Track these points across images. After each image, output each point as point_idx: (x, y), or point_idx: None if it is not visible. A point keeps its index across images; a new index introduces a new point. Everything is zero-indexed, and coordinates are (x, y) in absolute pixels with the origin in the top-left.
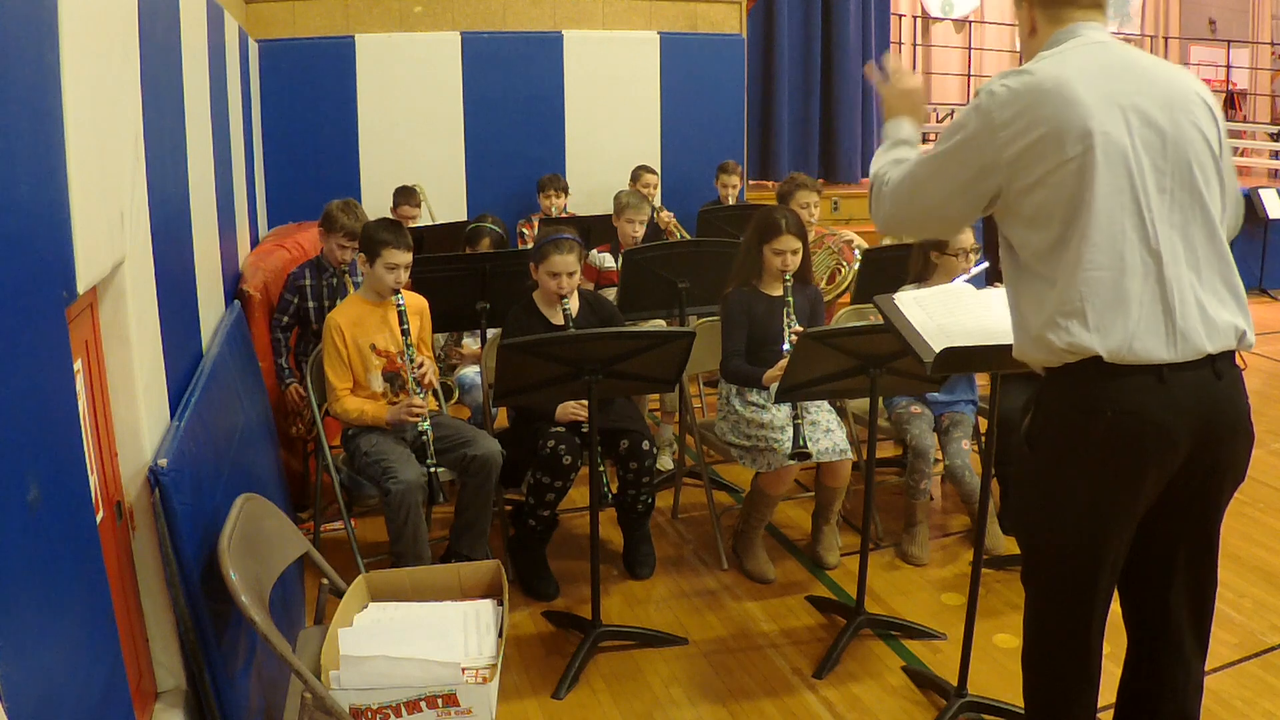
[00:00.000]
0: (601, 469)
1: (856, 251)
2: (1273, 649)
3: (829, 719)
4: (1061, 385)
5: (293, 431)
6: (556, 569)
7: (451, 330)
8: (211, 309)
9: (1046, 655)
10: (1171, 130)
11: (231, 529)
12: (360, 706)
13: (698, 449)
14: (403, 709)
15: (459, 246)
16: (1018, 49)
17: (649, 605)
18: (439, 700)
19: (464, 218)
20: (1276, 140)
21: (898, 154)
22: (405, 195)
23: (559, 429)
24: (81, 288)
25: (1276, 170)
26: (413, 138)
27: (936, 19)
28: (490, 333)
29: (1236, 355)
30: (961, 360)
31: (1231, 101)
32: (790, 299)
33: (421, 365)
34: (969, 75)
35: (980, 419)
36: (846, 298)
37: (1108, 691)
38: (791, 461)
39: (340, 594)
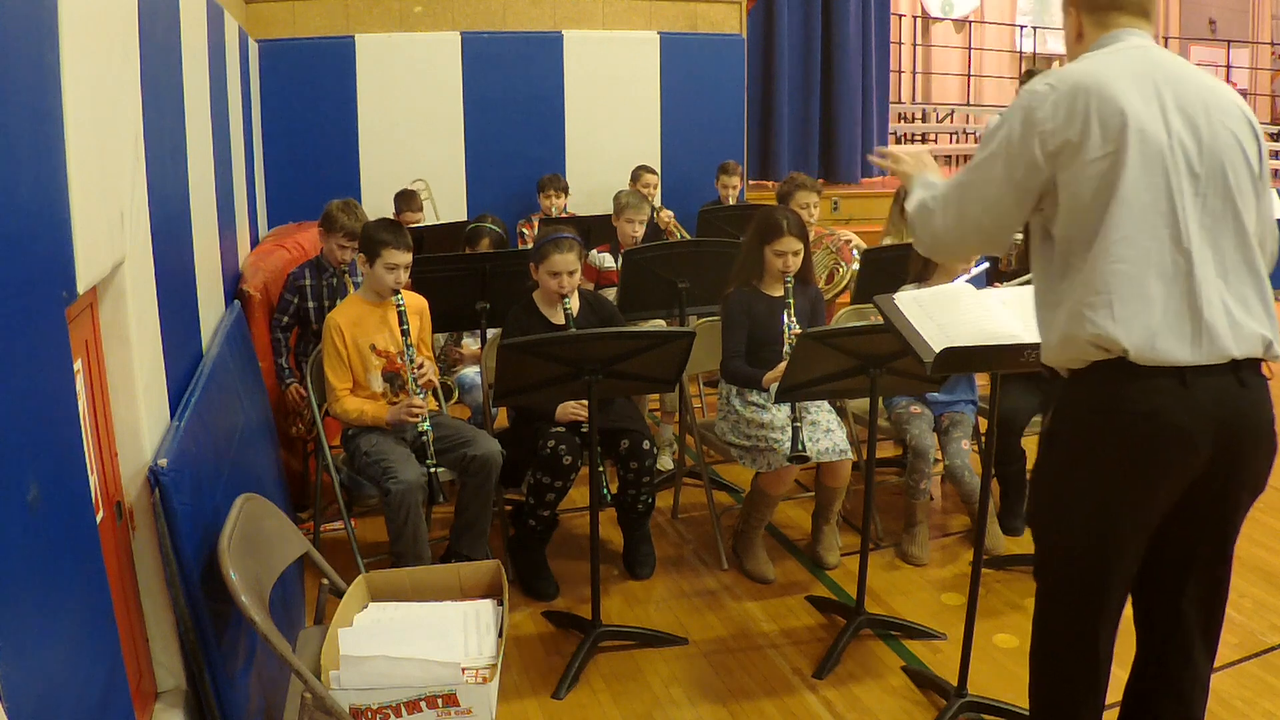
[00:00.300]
0: (601, 469)
1: (855, 251)
2: (1273, 649)
3: (829, 719)
4: (1083, 386)
5: (293, 431)
6: (556, 569)
7: (451, 330)
8: (211, 309)
9: (1052, 655)
10: (1208, 135)
11: (231, 529)
12: (360, 706)
13: (698, 449)
14: (403, 709)
15: (459, 246)
16: (1063, 53)
17: (649, 605)
18: (439, 700)
19: (464, 218)
20: (1277, 140)
21: (928, 187)
22: (406, 200)
23: (559, 429)
24: (81, 288)
25: (1277, 170)
26: (413, 138)
27: (936, 19)
28: (490, 333)
29: (1263, 365)
30: (961, 360)
31: None
32: (791, 300)
33: (422, 365)
34: (969, 75)
35: (980, 419)
36: (845, 297)
37: (1113, 691)
38: (790, 464)
39: (340, 594)
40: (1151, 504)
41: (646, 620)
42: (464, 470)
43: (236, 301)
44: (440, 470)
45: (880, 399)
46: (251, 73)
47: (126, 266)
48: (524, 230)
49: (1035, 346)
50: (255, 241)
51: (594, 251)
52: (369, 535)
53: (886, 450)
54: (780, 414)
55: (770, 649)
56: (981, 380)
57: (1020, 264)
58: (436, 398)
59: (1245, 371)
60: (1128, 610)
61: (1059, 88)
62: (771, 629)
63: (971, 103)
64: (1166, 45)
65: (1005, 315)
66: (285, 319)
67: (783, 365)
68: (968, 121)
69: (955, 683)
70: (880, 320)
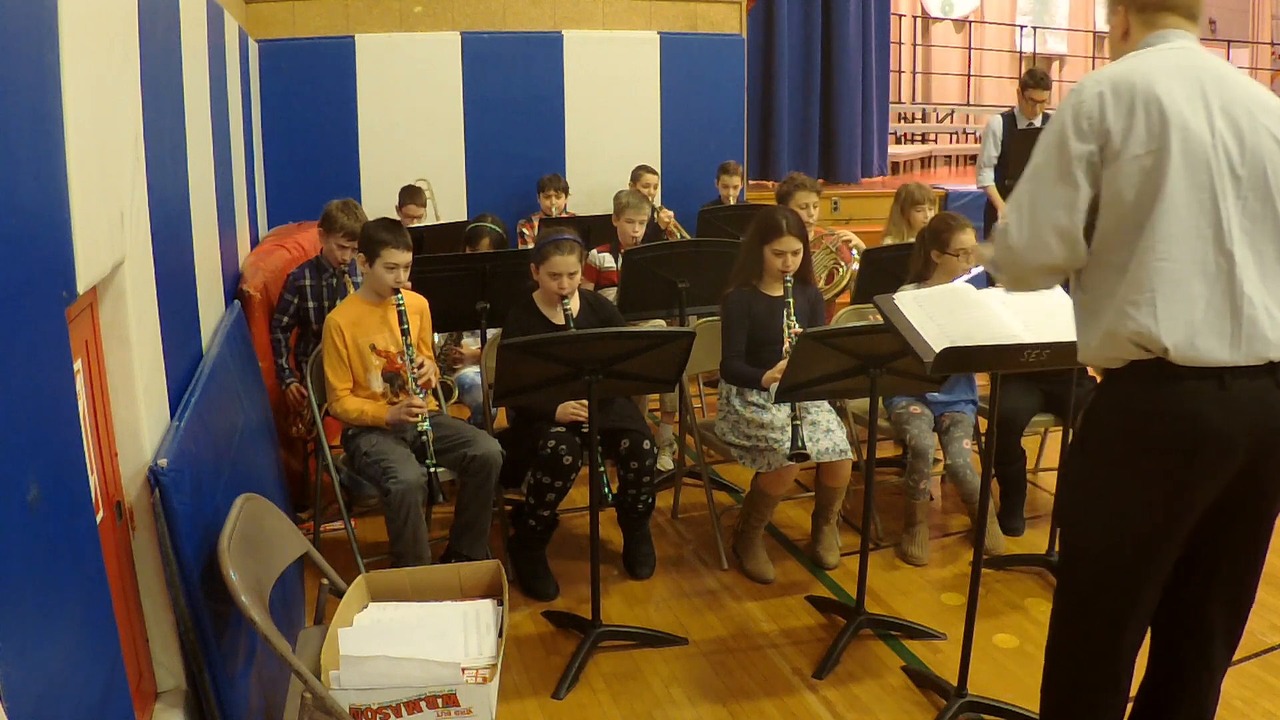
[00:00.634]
0: (601, 469)
1: (854, 251)
2: (1273, 649)
3: (829, 719)
4: (1120, 387)
5: (293, 431)
6: (556, 569)
7: (451, 330)
8: (211, 309)
9: (1071, 654)
10: (1251, 138)
11: (231, 529)
12: (360, 706)
13: (698, 449)
14: (403, 709)
15: (459, 246)
16: (1106, 55)
17: (649, 605)
18: (439, 700)
19: (464, 218)
20: None
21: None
22: (411, 195)
23: (559, 429)
24: (81, 288)
25: None
26: (413, 138)
27: (936, 19)
28: (490, 333)
29: None
30: (961, 360)
31: None
32: (791, 299)
33: (422, 365)
34: (969, 75)
35: (980, 419)
36: (845, 297)
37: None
38: (790, 463)
39: (340, 594)
40: (1188, 507)
41: (646, 620)
42: (464, 470)
43: (236, 301)
44: (440, 470)
45: (880, 399)
46: (251, 73)
47: (126, 266)
48: (524, 230)
49: (1035, 346)
50: (255, 241)
51: (594, 251)
52: (369, 535)
53: (886, 450)
54: (780, 414)
55: (770, 649)
56: (981, 380)
57: None
58: (436, 398)
59: None
60: None
61: (1103, 84)
62: (771, 629)
63: (971, 103)
64: None
65: (1005, 315)
66: (285, 319)
67: (782, 364)
68: (968, 121)
69: (955, 683)
70: (880, 320)
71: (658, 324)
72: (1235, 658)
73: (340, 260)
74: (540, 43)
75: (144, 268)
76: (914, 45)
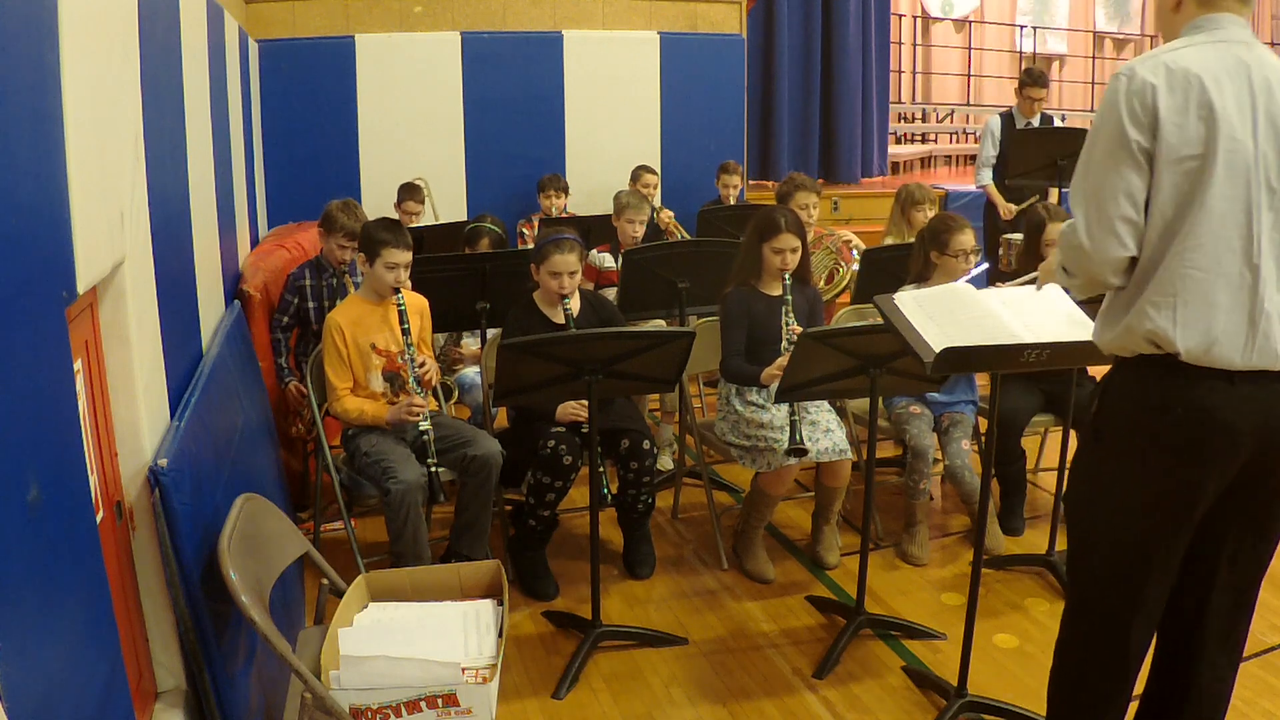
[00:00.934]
0: (601, 469)
1: (855, 251)
2: (1273, 649)
3: (829, 719)
4: (1131, 379)
5: (293, 431)
6: (556, 569)
7: (451, 330)
8: (211, 309)
9: (1080, 648)
10: None
11: (231, 529)
12: (360, 706)
13: (698, 449)
14: (403, 709)
15: (459, 247)
16: (1151, 31)
17: (649, 605)
18: (439, 700)
19: (464, 218)
20: None
21: (1059, 249)
22: (410, 191)
23: (559, 429)
24: (81, 288)
25: None
26: (413, 138)
27: (936, 19)
28: (490, 333)
29: None
30: (961, 360)
31: None
32: (789, 297)
33: (423, 364)
34: (969, 75)
35: (980, 419)
36: (845, 297)
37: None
38: (789, 459)
39: (340, 594)
40: (1194, 502)
41: (646, 620)
42: (464, 470)
43: (236, 301)
44: (440, 470)
45: (880, 399)
46: (251, 73)
47: (126, 266)
48: (524, 230)
49: (1035, 346)
50: (255, 241)
51: (594, 251)
52: (369, 535)
53: (886, 450)
54: (780, 414)
55: (770, 649)
56: (981, 380)
57: (1020, 264)
58: (436, 398)
59: None
60: None
61: (1160, 74)
62: (771, 629)
63: (971, 103)
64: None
65: (1005, 315)
66: (285, 319)
67: (781, 361)
68: (968, 121)
69: (955, 683)
70: (880, 320)
71: (658, 324)
72: None
73: (340, 260)
74: (540, 43)
75: (144, 268)
76: (914, 45)
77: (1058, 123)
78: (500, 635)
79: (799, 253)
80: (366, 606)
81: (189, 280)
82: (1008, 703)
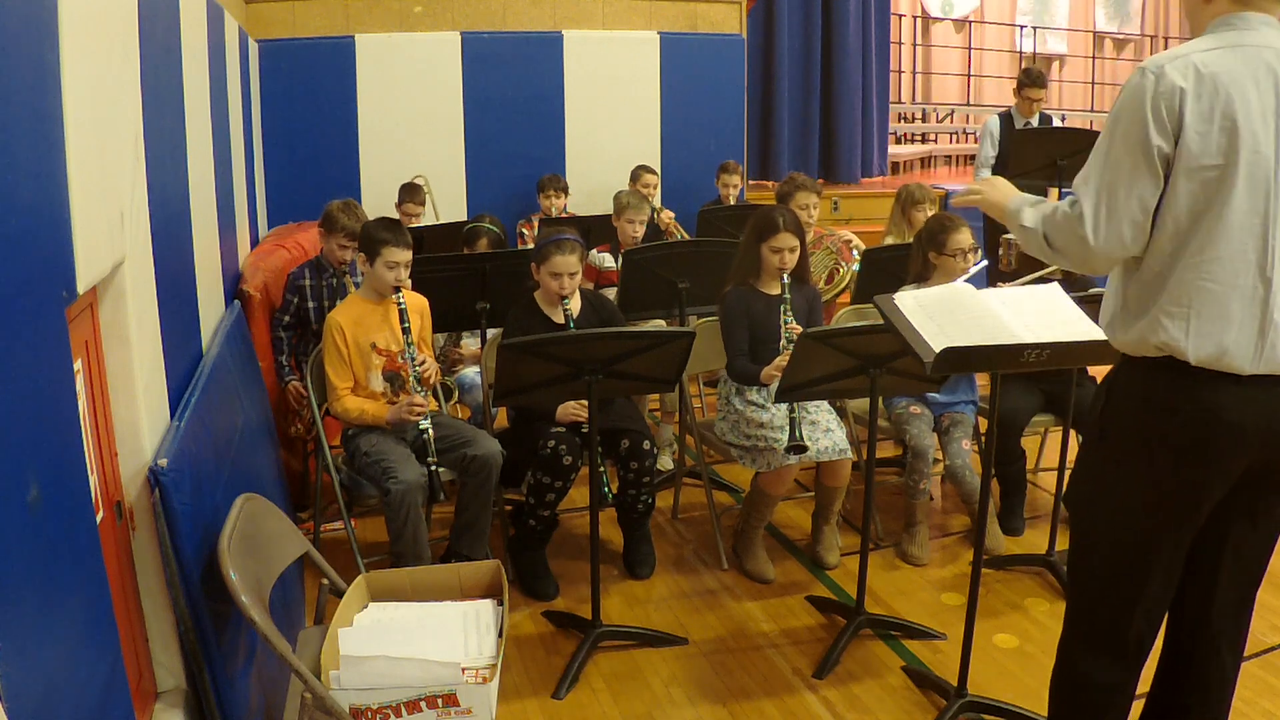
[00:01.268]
0: (602, 469)
1: (855, 251)
2: (1273, 649)
3: (829, 719)
4: (1138, 379)
5: (292, 431)
6: (556, 569)
7: (451, 330)
8: (211, 309)
9: (1081, 647)
10: None
11: (231, 529)
12: (360, 706)
13: (698, 449)
14: (403, 709)
15: (459, 246)
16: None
17: (649, 605)
18: (439, 700)
19: (464, 218)
20: None
21: (1037, 203)
22: (410, 192)
23: (559, 429)
24: (81, 288)
25: None
26: (413, 138)
27: (936, 19)
28: (490, 333)
29: None
30: (961, 360)
31: None
32: (787, 297)
33: (424, 363)
34: (969, 75)
35: (980, 419)
36: (845, 297)
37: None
38: (789, 457)
39: (340, 594)
40: (1200, 499)
41: (646, 620)
42: (464, 470)
43: (236, 301)
44: (440, 470)
45: (880, 399)
46: (251, 73)
47: (126, 266)
48: (524, 230)
49: (1035, 346)
50: (255, 241)
51: (594, 251)
52: (369, 535)
53: (886, 450)
54: (780, 413)
55: (770, 649)
56: (981, 380)
57: (1020, 264)
58: (436, 397)
59: None
60: None
61: (1189, 77)
62: (771, 629)
63: (971, 103)
64: (1166, 45)
65: (1005, 315)
66: (286, 319)
67: (780, 359)
68: (968, 121)
69: (955, 683)
70: (880, 320)
71: (658, 324)
72: None
73: (341, 260)
74: (540, 43)
75: (144, 268)
76: (914, 45)
77: (1057, 122)
78: (500, 635)
79: (797, 252)
80: (366, 606)
81: (189, 280)
82: (1008, 703)
